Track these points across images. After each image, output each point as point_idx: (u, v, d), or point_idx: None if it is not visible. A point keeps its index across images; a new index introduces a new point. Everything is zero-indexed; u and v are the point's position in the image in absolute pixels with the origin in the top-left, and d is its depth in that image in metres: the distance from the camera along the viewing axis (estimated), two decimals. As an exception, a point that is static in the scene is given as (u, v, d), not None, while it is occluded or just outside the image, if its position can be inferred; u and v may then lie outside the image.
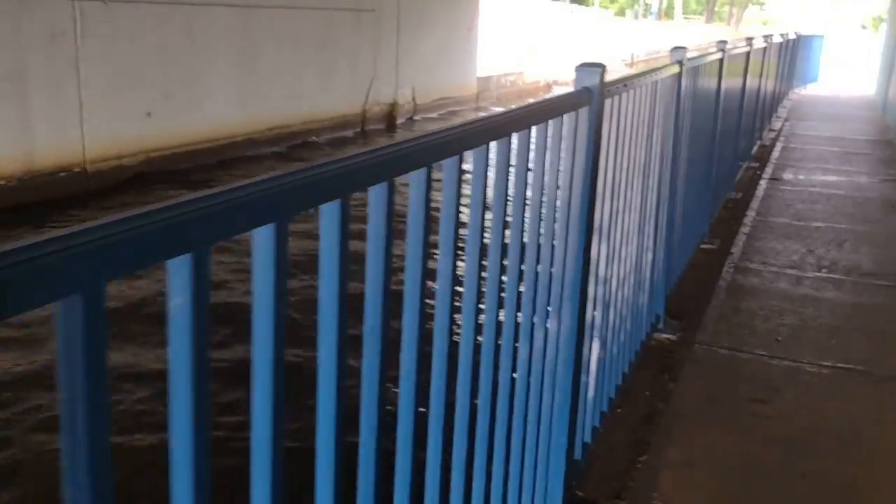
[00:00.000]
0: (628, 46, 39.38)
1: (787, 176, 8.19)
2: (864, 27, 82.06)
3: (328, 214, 1.10)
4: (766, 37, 10.74)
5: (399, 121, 15.49)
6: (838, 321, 4.23)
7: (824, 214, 6.57)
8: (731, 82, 5.92)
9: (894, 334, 4.12)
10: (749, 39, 9.03)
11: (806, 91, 19.59)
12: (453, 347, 1.49)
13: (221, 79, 11.14)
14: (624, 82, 2.56)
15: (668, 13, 67.15)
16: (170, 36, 10.24)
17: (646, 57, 39.16)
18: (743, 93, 7.70)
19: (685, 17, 69.30)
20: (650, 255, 3.55)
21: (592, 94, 2.15)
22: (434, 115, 16.54)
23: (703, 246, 5.51)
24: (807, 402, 3.33)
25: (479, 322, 1.64)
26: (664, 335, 3.94)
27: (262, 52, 11.82)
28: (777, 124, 12.47)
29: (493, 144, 1.60)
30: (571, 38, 37.04)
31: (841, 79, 25.53)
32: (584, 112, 2.15)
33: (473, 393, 1.64)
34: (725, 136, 6.16)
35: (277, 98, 12.21)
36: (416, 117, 16.10)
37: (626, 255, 3.01)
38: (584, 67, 2.15)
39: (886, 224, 6.36)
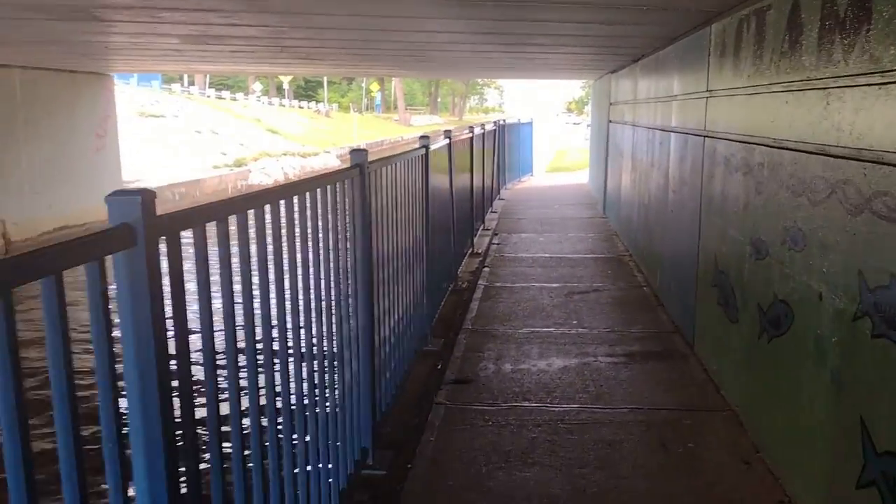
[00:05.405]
0: (354, 139, 37.61)
1: (485, 371, 4.67)
2: (569, 111, 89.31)
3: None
4: (470, 128, 8.78)
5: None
6: None
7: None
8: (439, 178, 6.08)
9: None
10: (464, 129, 6.72)
11: (521, 184, 17.43)
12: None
13: None
14: (383, 160, 3.77)
15: (395, 105, 67.03)
16: None
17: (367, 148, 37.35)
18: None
19: (411, 109, 69.94)
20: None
21: (362, 168, 3.23)
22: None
23: None
24: None
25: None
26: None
27: None
28: (484, 241, 9.33)
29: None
30: (297, 133, 34.03)
31: (553, 166, 24.46)
32: (357, 180, 3.21)
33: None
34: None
35: None
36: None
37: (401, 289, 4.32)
38: (356, 151, 3.30)
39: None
